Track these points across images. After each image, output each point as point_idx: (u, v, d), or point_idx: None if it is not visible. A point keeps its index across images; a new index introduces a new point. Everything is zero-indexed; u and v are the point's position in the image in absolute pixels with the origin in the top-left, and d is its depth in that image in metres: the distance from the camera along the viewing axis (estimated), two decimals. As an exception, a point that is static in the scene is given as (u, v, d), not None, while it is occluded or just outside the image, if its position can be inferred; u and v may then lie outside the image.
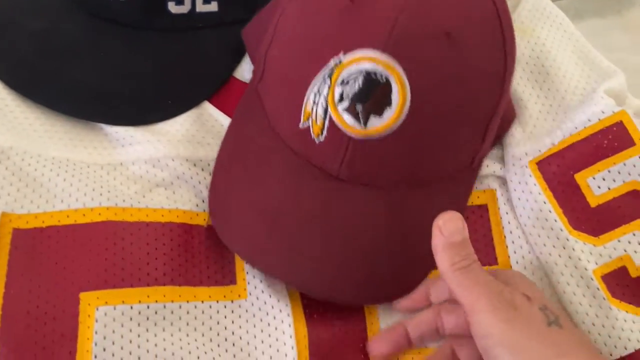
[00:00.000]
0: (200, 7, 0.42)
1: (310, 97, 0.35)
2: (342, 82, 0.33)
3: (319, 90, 0.34)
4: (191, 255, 0.37)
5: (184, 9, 0.42)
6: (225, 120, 0.41)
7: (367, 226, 0.36)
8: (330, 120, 0.34)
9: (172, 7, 0.41)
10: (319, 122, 0.34)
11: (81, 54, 0.40)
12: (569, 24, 0.42)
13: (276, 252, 0.35)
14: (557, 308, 0.31)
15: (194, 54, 0.42)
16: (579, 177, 0.37)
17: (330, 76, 0.34)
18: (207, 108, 0.42)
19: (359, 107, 0.33)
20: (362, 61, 0.33)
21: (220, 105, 0.42)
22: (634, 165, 0.37)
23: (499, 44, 0.36)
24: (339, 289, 0.35)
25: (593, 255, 0.36)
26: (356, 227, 0.35)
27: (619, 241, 0.35)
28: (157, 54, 0.41)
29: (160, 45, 0.41)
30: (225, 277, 0.37)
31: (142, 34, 0.41)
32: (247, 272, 0.37)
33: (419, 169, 0.36)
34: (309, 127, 0.35)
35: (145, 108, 0.40)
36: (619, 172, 0.37)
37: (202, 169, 0.39)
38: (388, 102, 0.33)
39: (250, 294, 0.37)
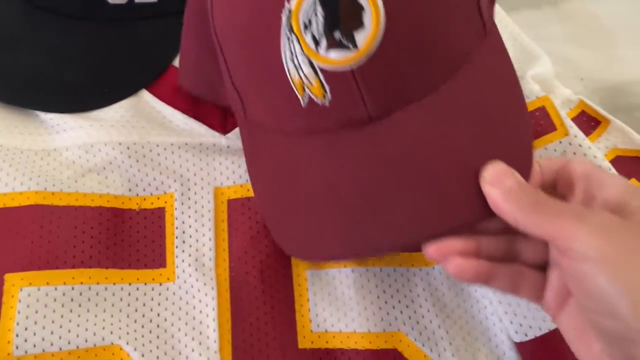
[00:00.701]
0: (140, -1, 0.43)
1: (289, 66, 0.30)
2: (306, 25, 0.29)
3: (291, 52, 0.30)
4: (120, 239, 0.37)
5: (123, 0, 0.42)
6: (162, 108, 0.42)
7: (443, 143, 0.30)
8: (322, 70, 0.30)
9: (110, -2, 0.42)
10: (314, 81, 0.30)
11: (18, 42, 0.41)
12: (500, 11, 0.42)
13: (361, 229, 0.30)
14: None
15: (132, 43, 0.43)
16: (502, 161, 0.37)
17: (290, 30, 0.30)
18: (145, 96, 0.42)
19: (337, 35, 0.29)
20: None
21: (159, 94, 0.43)
22: (555, 150, 0.37)
23: None
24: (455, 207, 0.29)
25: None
26: (433, 151, 0.30)
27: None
28: (95, 44, 0.42)
29: (98, 35, 0.42)
30: (155, 260, 0.38)
31: (80, 24, 0.42)
32: (177, 256, 0.37)
33: (434, 50, 0.31)
34: (310, 97, 0.31)
35: (80, 96, 0.41)
36: (540, 157, 0.37)
37: (136, 152, 0.39)
38: (359, 7, 0.29)
39: (178, 277, 0.37)
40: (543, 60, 0.40)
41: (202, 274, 0.37)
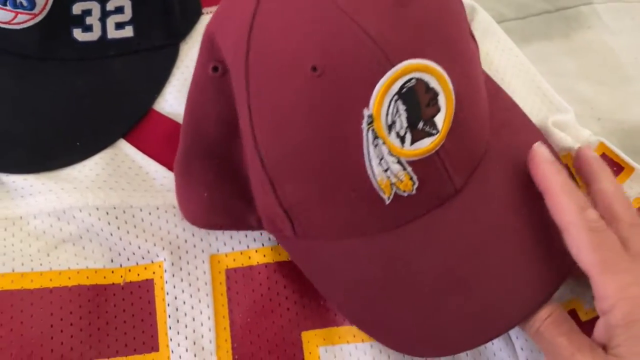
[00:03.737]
0: (113, 34, 0.37)
1: (376, 171, 0.29)
2: (390, 126, 0.28)
3: (378, 157, 0.29)
4: (105, 322, 0.33)
5: (93, 36, 0.36)
6: (144, 162, 0.37)
7: (522, 194, 0.31)
8: (411, 162, 0.29)
9: (79, 35, 0.36)
10: (403, 177, 0.29)
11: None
12: (519, 52, 0.39)
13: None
14: None
15: (106, 85, 0.37)
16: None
17: (375, 136, 0.28)
18: (123, 147, 0.37)
19: (421, 125, 0.29)
20: (385, 92, 0.28)
21: (138, 144, 0.37)
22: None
23: None
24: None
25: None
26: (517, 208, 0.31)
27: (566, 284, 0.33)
28: (61, 88, 0.36)
29: (65, 78, 0.36)
30: (145, 343, 0.33)
31: (42, 66, 0.36)
32: (171, 339, 0.33)
33: (482, 99, 0.33)
34: (396, 193, 0.30)
35: (46, 152, 0.35)
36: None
37: (117, 218, 0.35)
38: (434, 93, 0.29)
39: (174, 363, 0.33)
40: (567, 112, 0.37)
41: (203, 359, 0.33)
